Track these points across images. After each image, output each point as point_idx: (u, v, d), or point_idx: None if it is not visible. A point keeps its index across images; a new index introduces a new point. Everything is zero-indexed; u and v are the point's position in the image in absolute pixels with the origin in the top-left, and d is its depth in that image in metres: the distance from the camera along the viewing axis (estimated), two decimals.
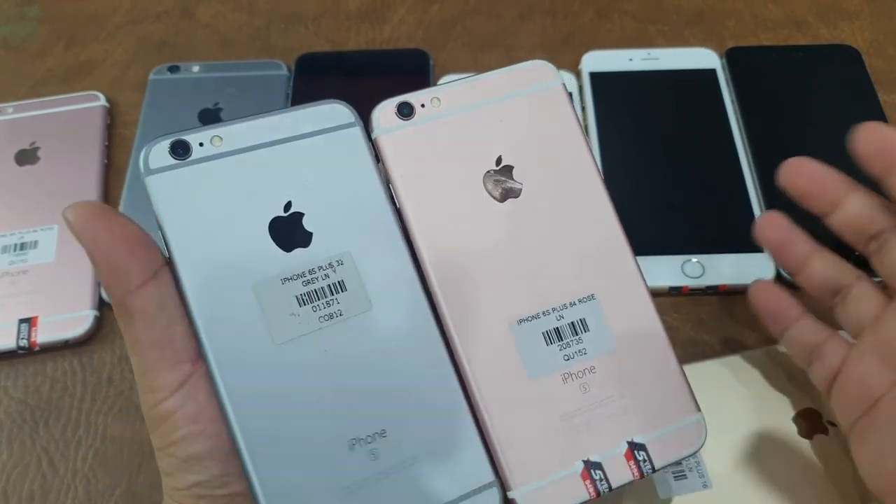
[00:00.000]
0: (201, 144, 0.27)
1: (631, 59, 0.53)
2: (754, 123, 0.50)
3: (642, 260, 0.44)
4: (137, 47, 0.57)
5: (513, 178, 0.30)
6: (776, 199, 0.47)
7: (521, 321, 0.29)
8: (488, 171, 0.30)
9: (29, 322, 0.43)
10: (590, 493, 0.27)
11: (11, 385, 0.43)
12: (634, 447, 0.28)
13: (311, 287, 0.27)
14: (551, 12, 0.58)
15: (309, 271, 0.27)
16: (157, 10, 0.60)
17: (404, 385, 0.27)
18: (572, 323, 0.29)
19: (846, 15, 0.57)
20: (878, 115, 0.50)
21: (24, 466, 0.40)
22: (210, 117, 0.51)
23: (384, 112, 0.30)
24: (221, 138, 0.27)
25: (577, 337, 0.29)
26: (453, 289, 0.28)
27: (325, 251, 0.27)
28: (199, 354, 0.26)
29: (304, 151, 0.28)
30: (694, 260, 0.44)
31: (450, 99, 0.30)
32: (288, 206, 0.28)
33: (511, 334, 0.28)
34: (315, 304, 0.27)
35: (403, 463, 0.26)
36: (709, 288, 0.44)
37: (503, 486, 0.27)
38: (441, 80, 0.53)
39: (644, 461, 0.28)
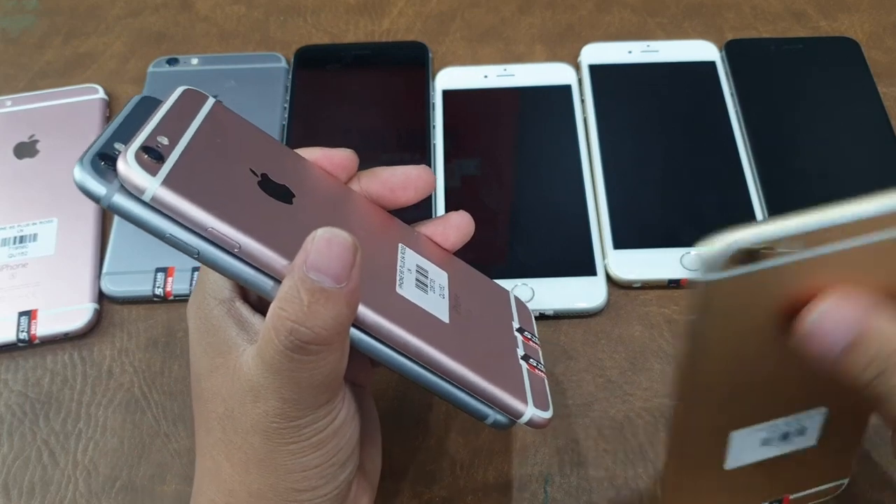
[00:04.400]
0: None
1: (630, 52, 0.53)
2: (754, 116, 0.50)
3: (641, 253, 0.45)
4: (136, 40, 0.57)
5: None
6: (775, 192, 0.47)
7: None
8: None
9: (29, 315, 0.43)
10: None
11: (11, 378, 0.43)
12: None
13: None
14: (550, 5, 0.58)
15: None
16: (155, 2, 0.59)
17: None
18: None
19: (846, 7, 0.57)
20: (878, 108, 0.50)
21: (24, 459, 0.40)
22: None
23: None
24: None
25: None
26: None
27: None
28: None
29: None
30: (693, 252, 0.45)
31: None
32: None
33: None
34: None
35: None
36: None
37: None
38: (440, 72, 0.53)
39: None
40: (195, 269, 0.45)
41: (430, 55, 0.55)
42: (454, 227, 0.35)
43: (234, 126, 0.31)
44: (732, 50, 0.53)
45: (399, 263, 0.32)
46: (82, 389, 0.42)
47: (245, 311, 0.29)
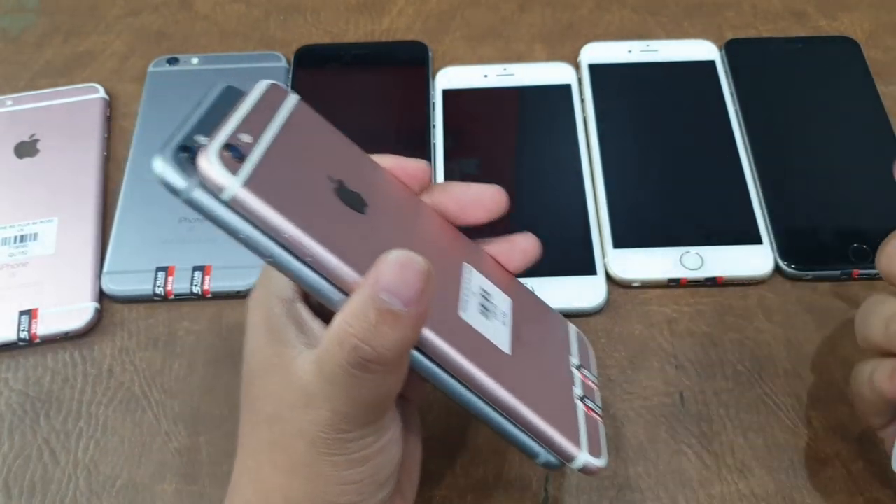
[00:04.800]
0: None
1: (630, 51, 0.53)
2: (753, 115, 0.50)
3: (641, 252, 0.45)
4: (136, 39, 0.57)
5: None
6: (774, 191, 0.47)
7: None
8: None
9: (29, 314, 0.43)
10: None
11: (12, 377, 0.43)
12: None
13: None
14: (550, 3, 0.58)
15: None
16: (155, 1, 0.59)
17: None
18: None
19: (845, 6, 0.57)
20: (878, 107, 0.50)
21: (25, 458, 0.40)
22: None
23: None
24: None
25: None
26: None
27: None
28: None
29: None
30: (693, 252, 0.45)
31: None
32: None
33: None
34: None
35: None
36: (707, 279, 0.44)
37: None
38: (440, 71, 0.53)
39: None
40: (195, 269, 0.45)
41: (431, 54, 0.55)
42: (520, 250, 0.34)
43: (315, 127, 0.30)
44: (732, 49, 0.53)
45: (464, 284, 0.31)
46: (83, 388, 0.42)
47: (306, 313, 0.29)
